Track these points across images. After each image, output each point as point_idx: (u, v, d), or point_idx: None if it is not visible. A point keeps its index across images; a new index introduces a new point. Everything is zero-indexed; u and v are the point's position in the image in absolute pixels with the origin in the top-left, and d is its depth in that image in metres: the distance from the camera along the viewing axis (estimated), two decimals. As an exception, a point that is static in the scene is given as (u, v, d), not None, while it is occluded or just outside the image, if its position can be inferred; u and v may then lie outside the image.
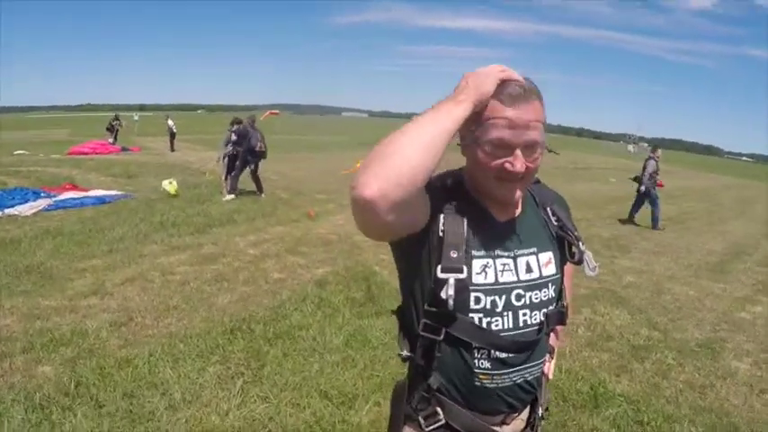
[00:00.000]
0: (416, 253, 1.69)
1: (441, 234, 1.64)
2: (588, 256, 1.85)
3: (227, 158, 15.09)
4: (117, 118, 35.01)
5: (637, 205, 15.42)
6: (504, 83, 1.57)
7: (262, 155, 14.93)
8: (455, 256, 1.61)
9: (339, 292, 6.92)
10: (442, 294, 1.60)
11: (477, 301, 1.67)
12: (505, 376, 1.73)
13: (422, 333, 1.71)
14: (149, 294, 6.72)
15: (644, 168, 15.34)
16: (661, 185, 30.98)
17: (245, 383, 4.61)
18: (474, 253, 1.67)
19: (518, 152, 1.56)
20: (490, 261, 1.69)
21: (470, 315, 1.67)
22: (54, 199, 12.31)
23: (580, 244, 1.84)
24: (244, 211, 12.37)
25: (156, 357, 4.97)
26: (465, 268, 1.61)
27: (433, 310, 1.67)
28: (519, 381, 1.77)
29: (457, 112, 1.49)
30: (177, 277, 7.48)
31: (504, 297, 1.69)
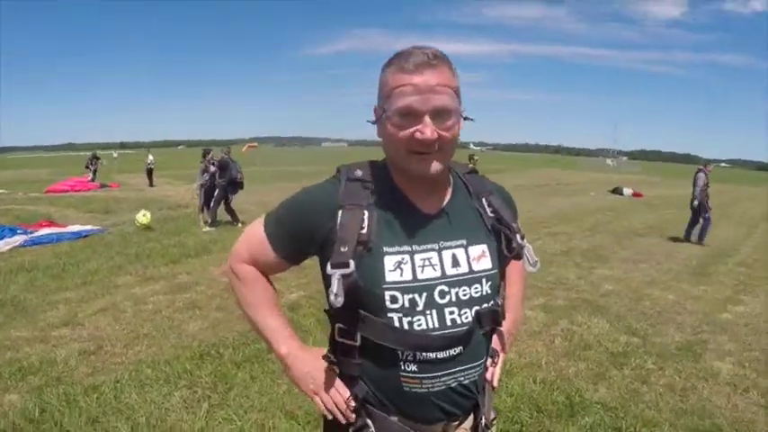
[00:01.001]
0: (322, 257, 1.66)
1: (337, 231, 1.58)
2: (528, 250, 1.74)
3: (202, 190, 15.12)
4: (96, 156, 34.92)
5: (693, 222, 15.12)
6: (407, 52, 1.55)
7: (241, 185, 15.10)
8: (344, 250, 1.53)
9: (311, 315, 6.88)
10: (330, 291, 1.52)
11: (394, 300, 1.57)
12: (435, 380, 1.61)
13: (338, 339, 1.66)
14: (121, 324, 6.71)
15: (694, 183, 15.10)
16: (640, 196, 31.15)
17: (210, 407, 4.62)
18: (386, 249, 1.58)
19: (426, 119, 1.50)
20: (405, 257, 1.59)
21: (389, 315, 1.58)
22: (30, 235, 12.27)
23: (518, 237, 1.72)
24: (220, 241, 12.35)
25: (123, 383, 4.98)
26: (352, 263, 1.52)
27: (334, 311, 1.60)
28: (453, 384, 1.64)
29: (273, 342, 1.77)
30: (149, 306, 7.47)
31: (424, 295, 1.58)
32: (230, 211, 15.15)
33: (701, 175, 15.04)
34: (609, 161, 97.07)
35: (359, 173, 1.67)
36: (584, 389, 5.18)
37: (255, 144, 71.78)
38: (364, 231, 1.57)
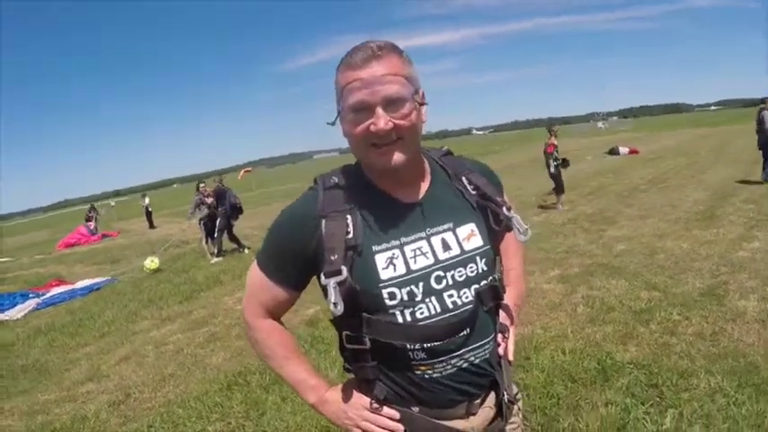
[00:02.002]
0: (317, 271, 1.63)
1: (324, 242, 1.58)
2: (517, 220, 1.70)
3: (202, 223, 15.19)
4: (93, 208, 35.07)
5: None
6: (354, 49, 1.54)
7: (240, 210, 15.14)
8: (334, 258, 1.53)
9: (330, 327, 6.80)
10: (329, 301, 1.52)
11: (392, 296, 1.56)
12: (446, 363, 1.62)
13: (347, 345, 1.66)
14: (145, 369, 6.73)
15: (759, 122, 14.67)
16: (637, 152, 31.07)
17: (247, 435, 4.61)
18: (375, 248, 1.58)
19: (378, 110, 1.48)
20: (396, 252, 1.59)
21: (390, 312, 1.57)
22: (42, 297, 12.34)
23: (504, 209, 1.70)
24: (229, 271, 12.39)
25: (156, 428, 5.00)
26: (344, 269, 1.51)
27: (338, 320, 1.62)
28: (464, 365, 1.65)
29: (301, 392, 1.79)
30: (170, 347, 7.49)
31: (421, 284, 1.58)
32: (234, 238, 15.17)
33: (766, 113, 14.59)
34: (600, 124, 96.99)
35: (335, 179, 1.67)
36: (614, 351, 5.16)
37: (250, 169, 71.94)
38: (350, 236, 1.57)
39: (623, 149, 32.26)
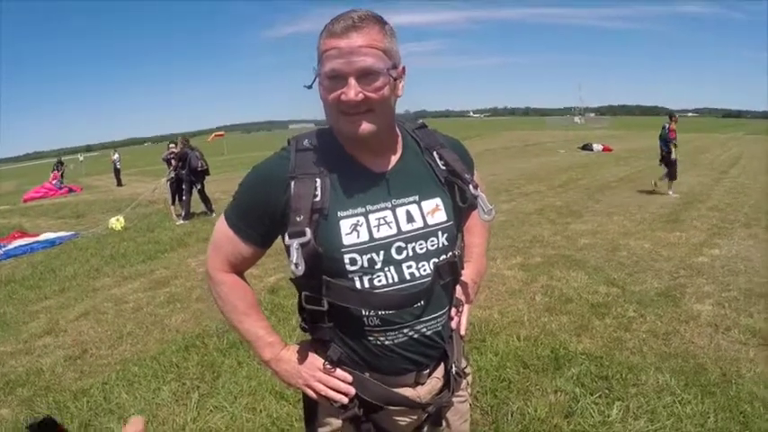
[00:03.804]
0: (282, 231, 1.65)
1: (291, 203, 1.60)
2: (482, 199, 1.74)
3: (170, 183, 15.07)
4: (60, 162, 34.62)
5: None
6: (338, 17, 1.55)
7: (204, 173, 14.84)
8: (299, 220, 1.56)
9: (292, 296, 6.76)
10: (291, 261, 1.56)
11: (353, 262, 1.60)
12: (398, 331, 1.66)
13: (306, 306, 1.70)
14: (103, 326, 6.69)
15: None
16: (610, 150, 31.41)
17: (200, 396, 4.63)
18: (341, 213, 1.61)
19: (351, 80, 1.50)
20: (361, 219, 1.62)
21: (350, 277, 1.61)
22: (3, 249, 12.13)
23: (471, 187, 1.73)
24: (194, 233, 12.35)
25: (111, 384, 4.98)
26: (308, 231, 1.55)
27: (298, 280, 1.63)
28: (415, 336, 1.69)
29: (257, 348, 1.79)
30: (130, 305, 7.46)
31: (382, 253, 1.62)
32: (205, 199, 14.97)
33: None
34: (576, 119, 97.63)
35: (307, 142, 1.69)
36: (567, 341, 5.25)
37: (222, 133, 70.94)
38: (318, 199, 1.59)
39: (597, 146, 32.56)
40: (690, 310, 5.96)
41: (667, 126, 15.03)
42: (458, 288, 1.88)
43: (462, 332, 1.89)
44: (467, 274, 1.92)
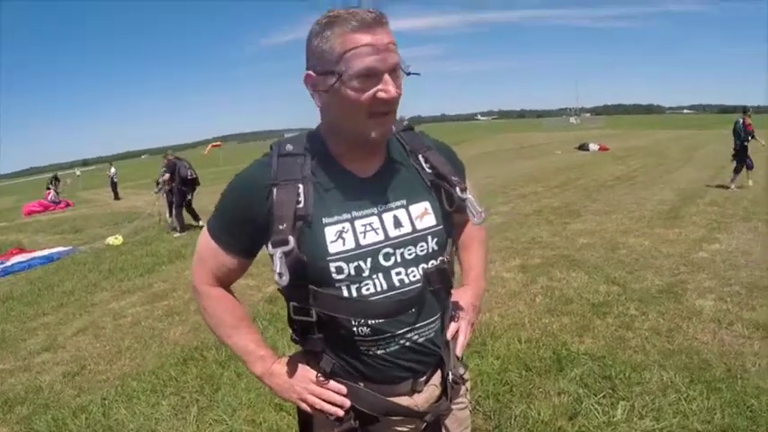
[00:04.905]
0: (266, 240, 1.60)
1: (274, 211, 1.55)
2: (471, 202, 1.69)
3: (165, 195, 15.10)
4: (56, 177, 34.64)
5: None
6: (348, 14, 1.46)
7: (194, 182, 14.74)
8: (282, 228, 1.51)
9: None
10: (275, 270, 1.50)
11: (340, 270, 1.55)
12: (390, 340, 1.62)
13: (294, 317, 1.65)
14: (101, 341, 6.65)
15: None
16: (606, 149, 31.52)
17: (200, 410, 4.59)
18: (325, 220, 1.56)
19: (387, 77, 1.46)
20: (346, 225, 1.57)
21: (337, 286, 1.56)
22: (2, 266, 12.12)
23: (458, 189, 1.67)
24: (192, 245, 12.14)
25: (110, 400, 4.93)
26: (291, 239, 1.49)
27: (286, 290, 1.60)
28: (408, 344, 1.64)
29: (248, 363, 1.75)
30: (128, 319, 7.42)
31: (369, 260, 1.57)
32: (191, 211, 14.85)
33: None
34: (572, 119, 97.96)
35: (290, 147, 1.64)
36: (569, 342, 5.22)
37: (219, 143, 70.84)
38: (301, 205, 1.54)
39: (593, 146, 32.64)
40: (692, 306, 5.92)
41: (741, 120, 15.39)
42: (459, 312, 1.85)
43: (459, 353, 1.83)
44: (466, 297, 1.90)
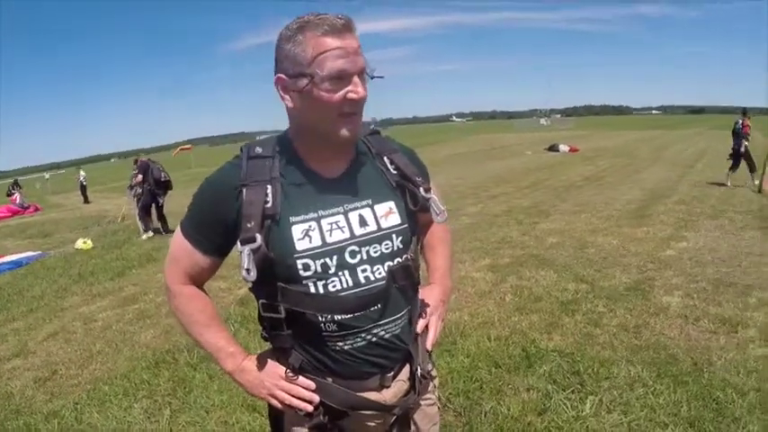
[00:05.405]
0: (235, 240, 1.65)
1: (243, 211, 1.60)
2: (434, 201, 1.77)
3: (136, 200, 14.85)
4: (16, 183, 34.09)
5: None
6: (319, 19, 1.52)
7: (167, 185, 14.60)
8: (250, 226, 1.56)
9: None
10: (242, 267, 1.56)
11: (306, 267, 1.60)
12: (356, 336, 1.67)
13: (264, 314, 1.70)
14: (72, 345, 6.59)
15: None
16: (576, 150, 31.81)
17: (172, 412, 4.58)
18: (292, 219, 1.61)
19: (356, 79, 1.54)
20: (313, 224, 1.63)
21: (304, 282, 1.61)
22: (-30, 272, 11.95)
23: (421, 190, 1.75)
24: (163, 248, 12.09)
25: (82, 405, 4.90)
26: (258, 237, 1.55)
27: (255, 288, 1.68)
28: (374, 340, 1.69)
29: (219, 360, 1.77)
30: (99, 323, 7.35)
31: (335, 257, 1.62)
32: (161, 217, 14.65)
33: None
34: (542, 120, 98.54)
35: (259, 150, 1.69)
36: (538, 339, 5.29)
37: (189, 147, 70.14)
38: (269, 205, 1.59)
39: (563, 147, 32.88)
40: (659, 303, 6.03)
41: (740, 122, 15.69)
42: (426, 309, 1.91)
43: (429, 347, 1.89)
44: (434, 295, 1.96)
